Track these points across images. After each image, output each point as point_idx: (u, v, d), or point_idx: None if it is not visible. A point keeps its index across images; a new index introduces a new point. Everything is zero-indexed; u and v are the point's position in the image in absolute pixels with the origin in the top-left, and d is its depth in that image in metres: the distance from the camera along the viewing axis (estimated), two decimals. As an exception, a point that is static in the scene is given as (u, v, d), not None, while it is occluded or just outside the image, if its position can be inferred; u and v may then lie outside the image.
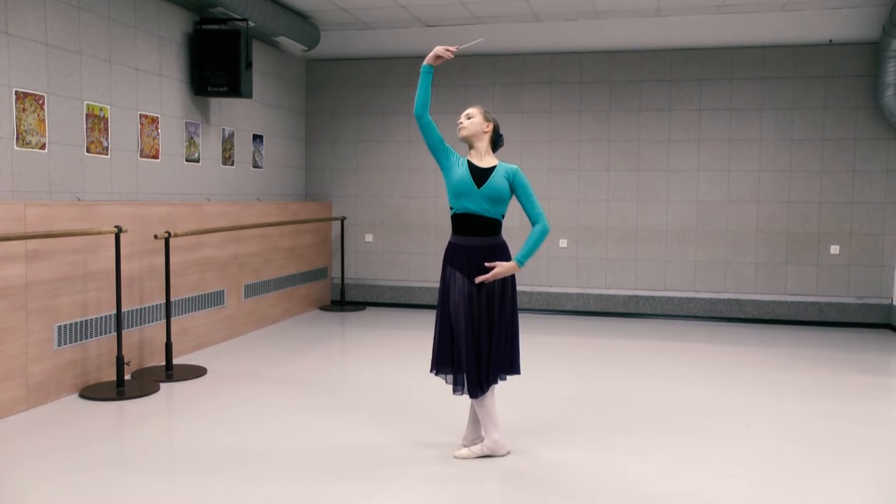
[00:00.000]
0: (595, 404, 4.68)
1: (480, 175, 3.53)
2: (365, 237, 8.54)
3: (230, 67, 6.23)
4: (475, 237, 3.51)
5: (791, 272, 7.59)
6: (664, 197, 7.80)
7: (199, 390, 4.86)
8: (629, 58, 7.79)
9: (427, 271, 8.36)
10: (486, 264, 3.48)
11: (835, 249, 7.48)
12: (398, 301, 8.44)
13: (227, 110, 6.91)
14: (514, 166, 3.62)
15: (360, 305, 8.38)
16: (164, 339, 5.29)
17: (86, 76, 5.13)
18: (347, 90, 8.49)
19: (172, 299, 5.51)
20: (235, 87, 6.25)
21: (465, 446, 3.72)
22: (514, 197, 3.60)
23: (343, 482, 3.32)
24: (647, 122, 7.80)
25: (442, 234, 8.26)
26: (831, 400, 4.84)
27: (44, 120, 4.77)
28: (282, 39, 7.36)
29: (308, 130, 8.63)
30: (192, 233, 5.62)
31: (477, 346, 3.50)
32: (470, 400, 3.65)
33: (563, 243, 8.01)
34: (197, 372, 5.26)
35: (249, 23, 6.43)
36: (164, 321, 5.41)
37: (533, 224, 3.56)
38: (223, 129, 6.88)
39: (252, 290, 6.86)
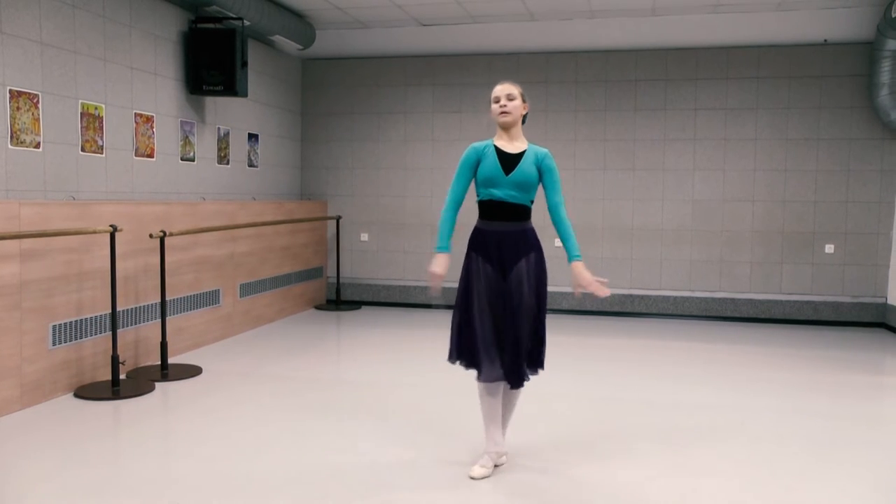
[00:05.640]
0: (590, 403, 4.68)
1: (509, 161, 3.37)
2: (360, 236, 8.54)
3: (225, 66, 6.22)
4: (502, 222, 3.38)
5: (786, 271, 7.61)
6: (660, 196, 7.81)
7: (195, 390, 4.86)
8: (625, 57, 7.80)
9: (423, 270, 8.35)
10: (584, 286, 3.41)
11: (829, 248, 7.50)
12: (394, 300, 8.44)
13: (222, 109, 6.90)
14: (545, 150, 3.48)
15: (355, 304, 8.38)
16: (160, 339, 5.27)
17: (81, 75, 5.12)
18: (343, 89, 8.48)
19: (168, 299, 5.49)
20: (231, 85, 6.24)
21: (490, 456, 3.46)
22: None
23: (339, 482, 3.32)
24: (642, 122, 7.81)
25: (438, 232, 8.24)
26: (826, 399, 4.85)
27: (38, 119, 4.75)
28: (277, 38, 7.35)
29: (303, 129, 8.62)
30: (188, 232, 5.61)
31: (504, 333, 3.30)
32: (482, 402, 3.45)
33: (558, 242, 8.00)
34: (192, 371, 5.25)
35: (245, 22, 6.42)
36: (159, 320, 5.39)
37: (551, 210, 3.44)
38: (218, 128, 6.87)
39: (247, 289, 6.85)
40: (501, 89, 3.42)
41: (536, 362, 3.42)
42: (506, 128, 3.44)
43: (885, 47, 6.75)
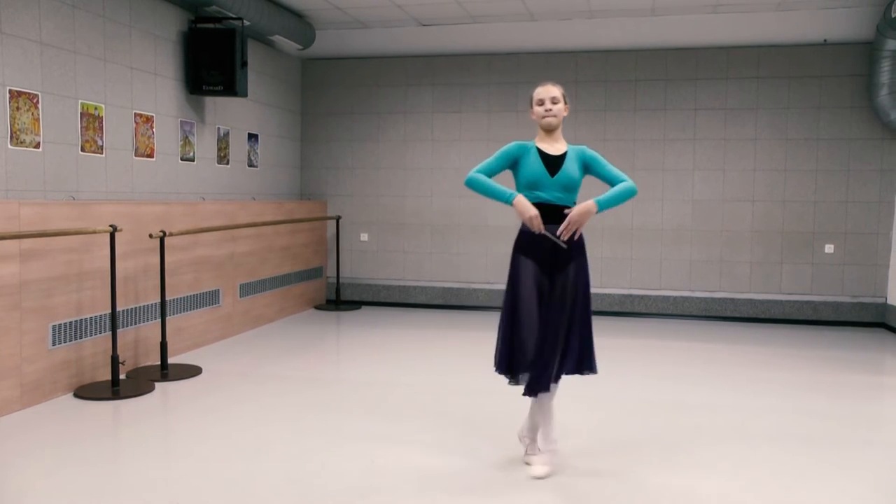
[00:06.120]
0: (588, 403, 4.68)
1: (553, 163, 3.35)
2: (360, 236, 8.54)
3: (225, 66, 6.21)
4: (550, 225, 3.31)
5: (786, 271, 7.61)
6: (659, 196, 7.81)
7: (194, 390, 4.86)
8: (624, 57, 7.80)
9: (422, 270, 8.36)
10: (565, 211, 3.30)
11: (829, 248, 7.51)
12: (393, 300, 8.44)
13: (222, 109, 6.90)
14: (581, 146, 3.47)
15: (355, 305, 8.38)
16: (159, 339, 5.27)
17: (80, 75, 5.12)
18: (343, 89, 8.48)
19: (167, 299, 5.49)
20: (230, 86, 6.24)
21: (532, 454, 3.52)
22: (584, 178, 3.44)
23: (339, 482, 3.31)
24: (642, 122, 7.81)
25: (437, 233, 8.27)
26: (826, 399, 4.85)
27: (38, 119, 4.75)
28: (277, 38, 7.35)
29: (303, 129, 8.62)
30: (188, 232, 5.61)
31: (544, 338, 3.27)
32: (531, 408, 3.48)
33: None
34: (192, 371, 5.25)
35: (245, 22, 6.42)
36: (159, 320, 5.39)
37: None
38: (218, 128, 6.87)
39: (247, 289, 6.85)
40: (545, 91, 3.41)
41: (589, 365, 3.44)
42: (549, 130, 3.43)
43: (884, 47, 6.75)
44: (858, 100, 7.35)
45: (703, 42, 7.57)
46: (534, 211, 3.27)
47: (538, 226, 3.27)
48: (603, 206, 3.33)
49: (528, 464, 3.53)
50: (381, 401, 4.65)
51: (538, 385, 3.32)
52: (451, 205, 8.22)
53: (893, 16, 6.32)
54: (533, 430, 3.56)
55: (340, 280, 8.47)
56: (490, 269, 8.13)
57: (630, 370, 5.58)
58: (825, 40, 7.33)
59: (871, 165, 7.38)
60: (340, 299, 8.41)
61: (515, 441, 3.82)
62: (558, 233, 3.29)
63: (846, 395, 4.93)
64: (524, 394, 3.38)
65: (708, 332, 7.14)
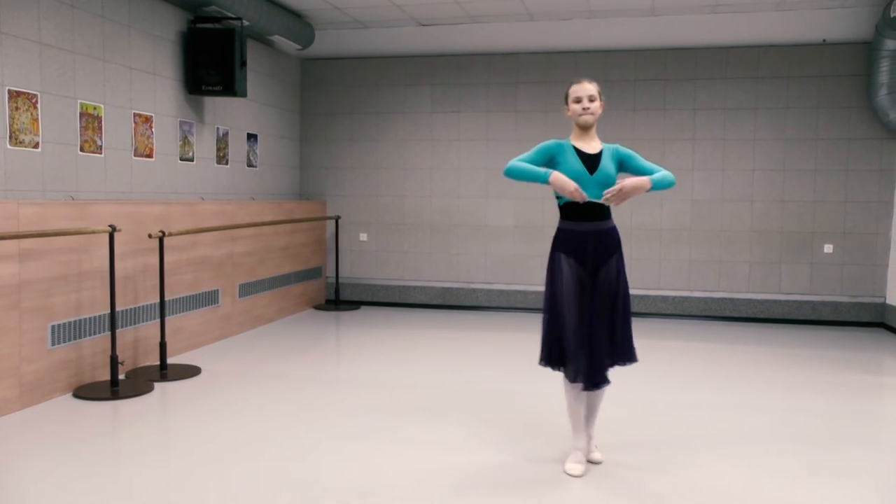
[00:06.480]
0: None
1: (591, 162, 3.39)
2: (359, 236, 8.54)
3: (224, 66, 6.21)
4: (589, 222, 3.36)
5: (785, 271, 7.62)
6: (658, 196, 7.80)
7: (194, 390, 4.85)
8: (623, 57, 7.80)
9: (421, 270, 8.36)
10: (619, 182, 3.31)
11: (828, 248, 7.51)
12: (393, 300, 8.43)
13: (221, 109, 6.90)
14: (614, 144, 3.52)
15: (354, 304, 8.37)
16: (159, 339, 5.27)
17: (79, 75, 5.11)
18: (342, 89, 8.48)
19: (167, 299, 5.49)
20: (230, 86, 6.24)
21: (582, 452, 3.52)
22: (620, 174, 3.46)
23: (338, 482, 3.31)
24: (641, 122, 7.81)
25: (436, 232, 8.26)
26: (825, 398, 4.85)
27: (37, 119, 4.75)
28: (276, 38, 7.35)
29: (302, 129, 8.62)
30: (187, 232, 5.61)
31: (590, 333, 3.30)
32: (568, 403, 3.48)
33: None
34: (191, 371, 5.24)
35: (244, 22, 6.42)
36: (158, 321, 5.39)
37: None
38: (217, 128, 6.87)
39: (246, 289, 6.85)
40: (583, 89, 3.44)
41: (630, 355, 3.48)
42: (585, 128, 3.46)
43: (883, 47, 6.76)
44: (857, 100, 7.35)
45: (702, 42, 7.57)
46: (573, 184, 3.28)
47: (581, 196, 3.29)
48: (655, 186, 3.37)
49: (590, 460, 3.54)
50: (381, 400, 4.65)
51: (596, 378, 3.34)
52: (451, 205, 8.22)
53: (893, 16, 6.33)
54: (578, 424, 3.51)
55: (339, 280, 8.47)
56: (489, 269, 8.12)
57: (629, 370, 5.56)
58: (824, 40, 7.33)
59: (870, 165, 7.39)
60: (340, 299, 8.40)
61: (516, 439, 3.83)
62: (606, 191, 3.31)
63: (845, 395, 4.94)
64: (584, 388, 3.38)
65: (707, 331, 7.14)
